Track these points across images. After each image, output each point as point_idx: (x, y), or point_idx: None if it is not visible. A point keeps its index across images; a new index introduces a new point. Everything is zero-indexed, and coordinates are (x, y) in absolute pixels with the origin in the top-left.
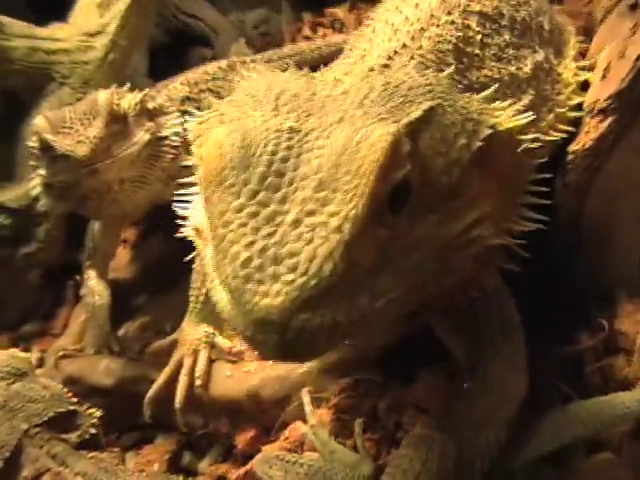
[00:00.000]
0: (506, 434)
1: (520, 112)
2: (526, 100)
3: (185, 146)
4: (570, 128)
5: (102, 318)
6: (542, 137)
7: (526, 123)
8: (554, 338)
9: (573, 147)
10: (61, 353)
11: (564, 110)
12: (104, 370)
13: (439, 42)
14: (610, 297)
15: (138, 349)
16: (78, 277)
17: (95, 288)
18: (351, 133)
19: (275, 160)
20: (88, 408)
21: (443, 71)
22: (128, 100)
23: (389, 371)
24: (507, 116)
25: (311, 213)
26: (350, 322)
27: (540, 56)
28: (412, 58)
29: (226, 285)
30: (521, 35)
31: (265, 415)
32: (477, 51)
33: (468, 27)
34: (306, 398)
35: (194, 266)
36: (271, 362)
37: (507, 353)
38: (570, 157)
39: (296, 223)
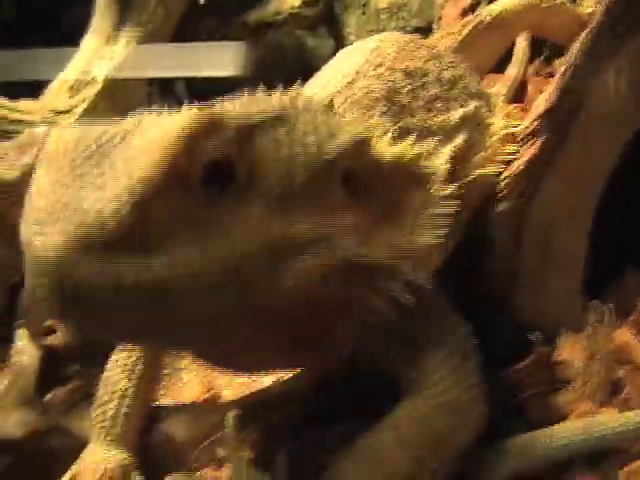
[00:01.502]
0: (457, 467)
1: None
2: (455, 143)
3: None
4: (499, 167)
5: (28, 380)
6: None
7: (415, 153)
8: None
9: (505, 173)
10: None
11: (492, 154)
12: (16, 421)
13: (369, 92)
14: (551, 331)
15: (63, 410)
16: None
17: (24, 348)
18: (175, 116)
19: (104, 143)
20: None
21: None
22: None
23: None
24: (387, 143)
25: (114, 171)
26: (138, 283)
27: (469, 108)
28: (345, 101)
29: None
30: (449, 90)
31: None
32: (406, 101)
33: (394, 81)
34: (230, 420)
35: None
36: None
37: (462, 375)
38: (502, 184)
39: (95, 180)
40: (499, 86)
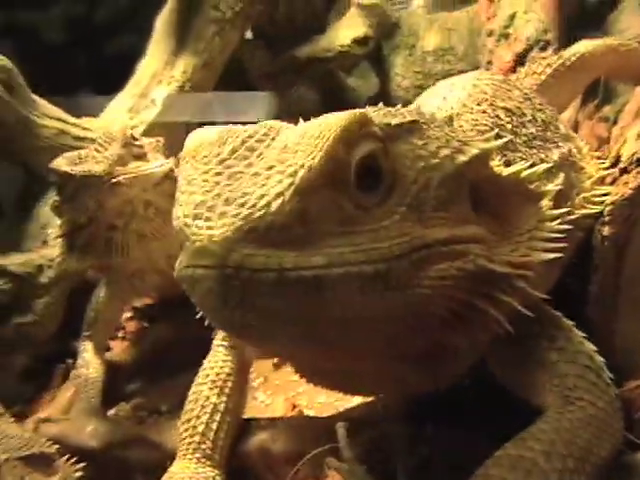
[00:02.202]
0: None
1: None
2: (557, 181)
3: None
4: (598, 207)
5: (93, 392)
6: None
7: (534, 173)
8: None
9: (611, 199)
10: (43, 417)
11: (590, 195)
12: (91, 432)
13: (476, 125)
14: None
15: (138, 423)
16: (70, 360)
17: (90, 360)
18: (330, 116)
19: (249, 140)
20: (69, 459)
21: None
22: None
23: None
24: (502, 164)
25: (270, 167)
26: (299, 278)
27: (564, 149)
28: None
29: (177, 228)
30: (544, 131)
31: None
32: (509, 136)
33: (498, 117)
34: (341, 430)
35: (194, 386)
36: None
37: (603, 388)
38: (608, 209)
39: (255, 175)
40: None
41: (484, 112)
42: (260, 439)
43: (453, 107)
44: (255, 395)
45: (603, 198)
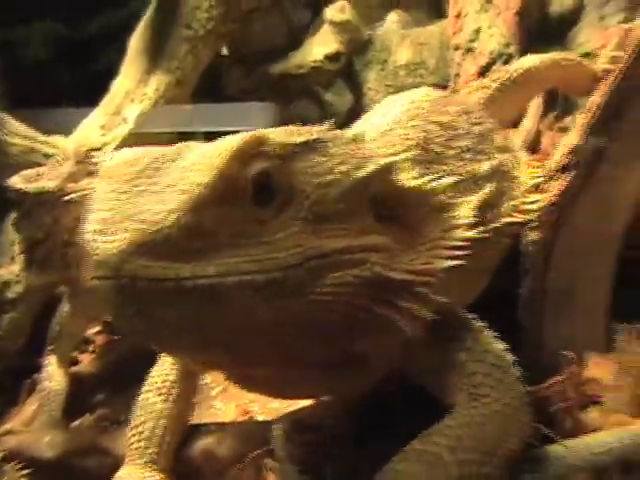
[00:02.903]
0: (508, 472)
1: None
2: (486, 192)
3: None
4: (527, 216)
5: (55, 405)
6: (501, 220)
7: (439, 185)
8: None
9: (539, 205)
10: (5, 429)
11: (520, 202)
12: (48, 442)
13: (405, 139)
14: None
15: (94, 433)
16: (36, 375)
17: (53, 373)
18: (226, 138)
19: (159, 160)
20: (18, 463)
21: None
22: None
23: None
24: (412, 177)
25: (170, 185)
26: (195, 286)
27: (497, 161)
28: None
29: (85, 243)
30: (478, 144)
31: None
32: (438, 150)
33: (429, 131)
34: (277, 432)
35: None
36: None
37: (509, 384)
38: (536, 214)
39: (156, 192)
40: (515, 139)
41: (415, 127)
42: (205, 443)
43: (388, 123)
44: (212, 404)
45: (532, 206)
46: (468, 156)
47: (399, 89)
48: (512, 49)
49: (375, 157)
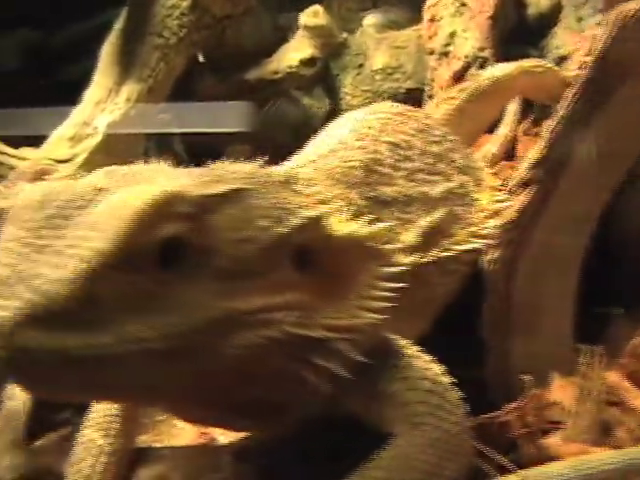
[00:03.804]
0: None
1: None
2: (436, 216)
3: None
4: (485, 241)
5: (17, 425)
6: (455, 247)
7: (374, 232)
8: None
9: (496, 222)
10: None
11: (477, 228)
12: (7, 466)
13: (347, 161)
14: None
15: (55, 455)
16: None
17: (15, 393)
18: (136, 189)
19: (69, 205)
20: None
21: (350, 184)
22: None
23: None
24: (344, 221)
25: (72, 246)
26: (83, 357)
27: (454, 183)
28: (319, 170)
29: None
30: (434, 164)
31: None
32: (387, 170)
33: (377, 152)
34: (226, 458)
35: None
36: None
37: (448, 409)
38: (492, 233)
39: (56, 253)
40: (490, 145)
41: (362, 148)
42: (158, 469)
43: (330, 145)
44: (174, 423)
45: (491, 231)
46: (420, 177)
47: (376, 93)
48: (486, 53)
49: (301, 208)
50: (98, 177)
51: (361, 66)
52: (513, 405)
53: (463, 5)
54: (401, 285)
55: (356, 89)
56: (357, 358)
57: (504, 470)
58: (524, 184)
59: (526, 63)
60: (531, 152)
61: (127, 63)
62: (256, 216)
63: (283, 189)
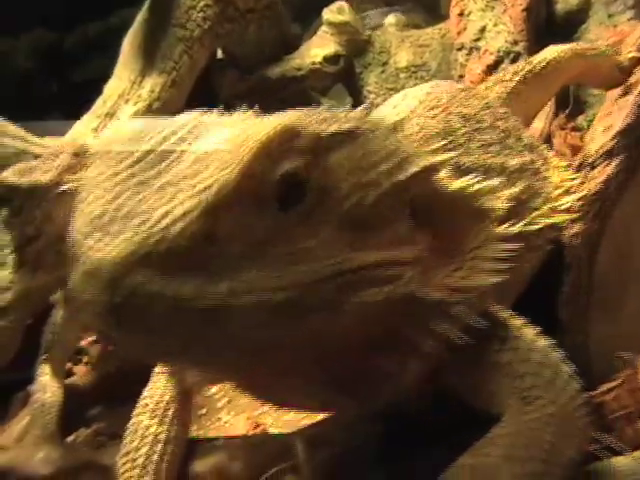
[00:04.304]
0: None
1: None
2: (517, 188)
3: None
4: (569, 215)
5: (49, 418)
6: (540, 220)
7: (484, 188)
8: None
9: (579, 195)
10: None
11: (558, 203)
12: (42, 459)
13: (423, 128)
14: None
15: (92, 448)
16: (29, 388)
17: (47, 384)
18: (256, 122)
19: (167, 140)
20: None
21: (432, 150)
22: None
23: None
24: (451, 177)
25: (180, 180)
26: (198, 307)
27: (525, 158)
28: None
29: (72, 243)
30: (504, 139)
31: None
32: (462, 141)
33: (451, 121)
34: (301, 446)
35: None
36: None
37: (562, 384)
38: (578, 205)
39: (163, 187)
40: None
41: (434, 117)
42: (216, 460)
43: (399, 114)
44: (219, 416)
45: (568, 207)
46: (494, 149)
47: (400, 92)
48: (520, 47)
49: (416, 155)
50: (191, 116)
51: (385, 64)
52: (608, 385)
53: None
54: (514, 246)
55: (380, 87)
56: (475, 323)
57: (610, 451)
58: (607, 155)
59: (579, 46)
60: (601, 123)
61: (150, 55)
62: (376, 159)
63: (394, 135)
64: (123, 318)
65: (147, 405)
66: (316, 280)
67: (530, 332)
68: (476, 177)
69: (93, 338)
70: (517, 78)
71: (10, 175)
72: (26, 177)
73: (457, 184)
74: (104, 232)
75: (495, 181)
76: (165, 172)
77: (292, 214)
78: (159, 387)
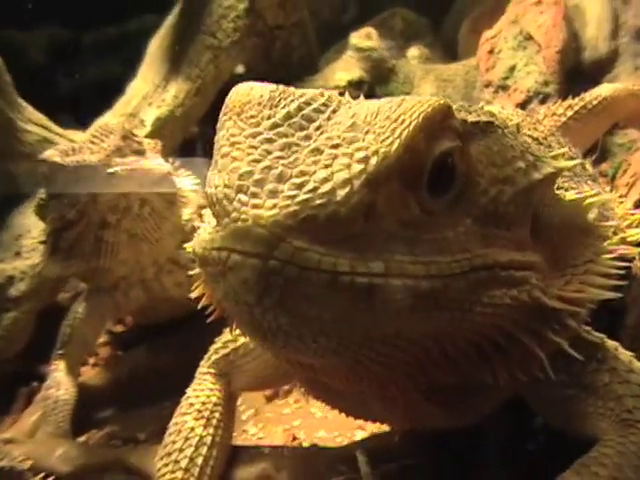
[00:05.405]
0: None
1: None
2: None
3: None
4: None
5: (63, 415)
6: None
7: (595, 202)
8: None
9: None
10: (5, 438)
11: (627, 235)
12: (61, 456)
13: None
14: None
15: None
16: (35, 383)
17: (62, 381)
18: (417, 98)
19: (306, 107)
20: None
21: None
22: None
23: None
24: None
25: (335, 146)
26: (353, 284)
27: (594, 187)
28: None
29: (213, 198)
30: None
31: None
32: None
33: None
34: (362, 458)
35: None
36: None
37: None
38: None
39: (316, 151)
40: None
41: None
42: (262, 468)
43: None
44: (245, 428)
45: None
46: (567, 173)
47: None
48: (550, 88)
49: (546, 158)
50: (318, 91)
51: (408, 94)
52: None
53: (528, 39)
54: (625, 264)
55: None
56: (586, 336)
57: None
58: None
59: (633, 86)
60: None
61: (176, 60)
62: (511, 156)
63: (521, 136)
64: (273, 287)
65: (192, 405)
66: (455, 274)
67: (625, 353)
68: (589, 191)
69: (103, 340)
70: (570, 113)
71: (55, 154)
72: (71, 157)
73: (572, 195)
74: (256, 190)
75: (605, 196)
76: (313, 138)
77: (440, 200)
78: (205, 388)
